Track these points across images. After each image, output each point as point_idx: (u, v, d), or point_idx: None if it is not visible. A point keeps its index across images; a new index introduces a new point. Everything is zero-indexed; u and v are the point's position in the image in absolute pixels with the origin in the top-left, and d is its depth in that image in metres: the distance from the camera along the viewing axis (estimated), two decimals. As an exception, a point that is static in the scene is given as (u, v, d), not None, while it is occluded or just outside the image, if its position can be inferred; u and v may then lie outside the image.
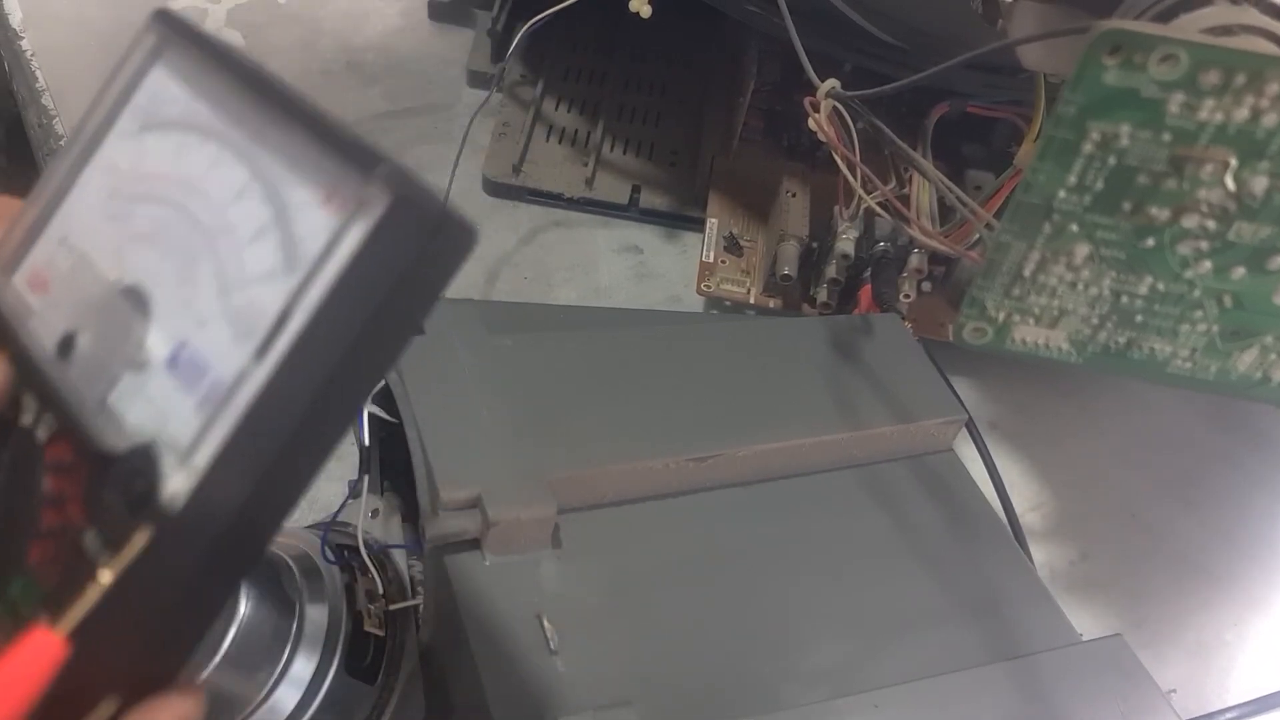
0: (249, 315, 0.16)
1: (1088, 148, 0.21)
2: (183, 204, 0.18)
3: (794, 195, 0.43)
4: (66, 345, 0.18)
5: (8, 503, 0.18)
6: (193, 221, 0.17)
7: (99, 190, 0.19)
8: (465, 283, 0.44)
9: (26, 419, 0.18)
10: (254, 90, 0.17)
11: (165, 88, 0.19)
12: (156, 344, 0.17)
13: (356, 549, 0.30)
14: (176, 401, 0.16)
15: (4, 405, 0.18)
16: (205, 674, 0.24)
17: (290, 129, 0.17)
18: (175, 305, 0.17)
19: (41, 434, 0.17)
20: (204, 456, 0.15)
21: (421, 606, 0.30)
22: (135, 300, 0.17)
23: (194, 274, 0.17)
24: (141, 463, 0.16)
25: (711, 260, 0.45)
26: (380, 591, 0.29)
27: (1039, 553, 0.38)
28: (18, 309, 0.19)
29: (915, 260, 0.40)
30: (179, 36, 0.19)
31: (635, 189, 0.49)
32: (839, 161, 0.35)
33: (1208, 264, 0.22)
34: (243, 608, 0.25)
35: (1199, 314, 0.23)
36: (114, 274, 0.18)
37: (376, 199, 0.15)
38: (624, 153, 0.51)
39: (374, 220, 0.15)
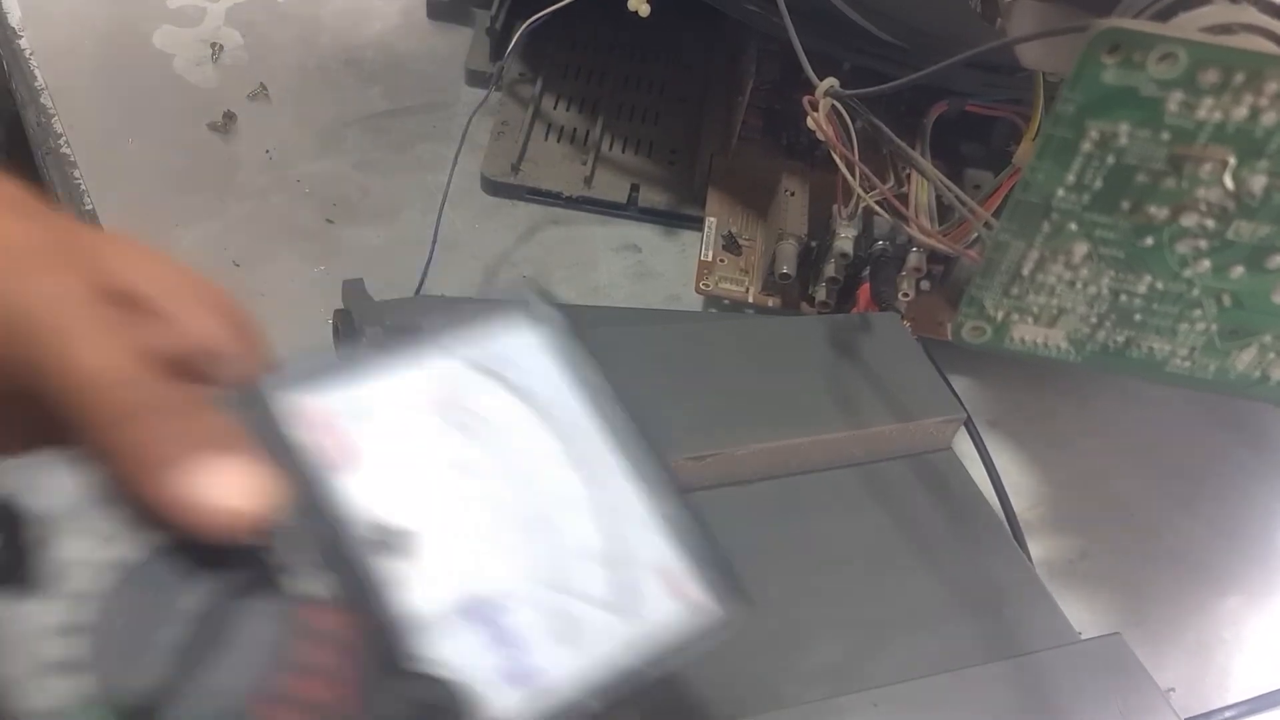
0: (583, 639, 0.18)
1: (1086, 146, 0.21)
2: (523, 473, 0.20)
3: (793, 194, 0.43)
4: (392, 540, 0.18)
5: (226, 640, 0.17)
6: (532, 494, 0.19)
7: (421, 392, 0.20)
8: (464, 282, 0.44)
9: (273, 558, 0.17)
10: (619, 414, 0.21)
11: (529, 358, 0.21)
12: (475, 591, 0.18)
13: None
14: (486, 659, 0.18)
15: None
16: None
17: (653, 488, 0.20)
18: (498, 559, 0.18)
19: (314, 590, 0.17)
20: None
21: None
22: (466, 533, 0.19)
23: (519, 542, 0.19)
24: (445, 700, 0.17)
25: (710, 259, 0.45)
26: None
27: (1038, 551, 0.38)
28: (315, 453, 0.18)
29: (914, 259, 0.40)
30: (566, 329, 0.22)
31: (634, 187, 0.49)
32: (838, 160, 0.35)
33: (1206, 263, 0.22)
34: None
35: (1198, 313, 0.23)
36: (443, 493, 0.19)
37: (719, 618, 0.20)
38: (623, 151, 0.51)
39: (711, 629, 0.20)
